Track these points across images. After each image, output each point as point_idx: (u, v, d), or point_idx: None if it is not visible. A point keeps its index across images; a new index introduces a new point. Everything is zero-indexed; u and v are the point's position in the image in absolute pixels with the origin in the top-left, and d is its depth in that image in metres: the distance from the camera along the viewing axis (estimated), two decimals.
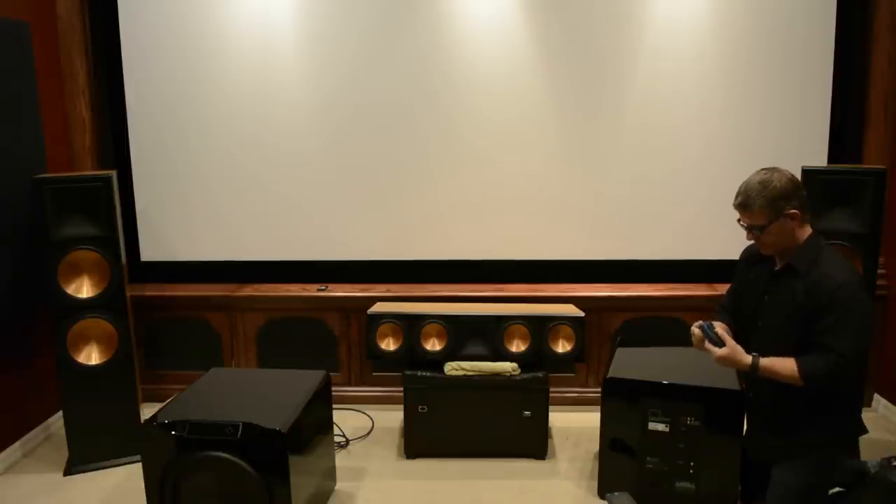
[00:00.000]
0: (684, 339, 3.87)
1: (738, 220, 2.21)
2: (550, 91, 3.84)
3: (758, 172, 2.17)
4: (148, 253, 4.07)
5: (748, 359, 2.13)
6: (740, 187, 2.18)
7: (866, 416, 3.55)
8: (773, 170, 2.16)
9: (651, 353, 3.31)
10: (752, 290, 2.30)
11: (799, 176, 3.07)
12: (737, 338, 2.29)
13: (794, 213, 2.12)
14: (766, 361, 2.12)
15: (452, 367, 3.34)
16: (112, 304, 3.30)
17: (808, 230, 2.18)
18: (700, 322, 2.27)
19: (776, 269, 2.23)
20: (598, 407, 3.02)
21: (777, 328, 2.17)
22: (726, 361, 2.17)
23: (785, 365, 2.09)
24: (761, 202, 2.11)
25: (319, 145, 3.94)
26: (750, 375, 2.18)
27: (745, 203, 2.14)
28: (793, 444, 2.20)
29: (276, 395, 2.80)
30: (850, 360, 2.03)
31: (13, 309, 3.29)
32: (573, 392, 3.97)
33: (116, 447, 3.33)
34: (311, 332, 4.00)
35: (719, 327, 2.27)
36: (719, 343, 2.19)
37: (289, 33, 3.81)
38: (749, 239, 2.24)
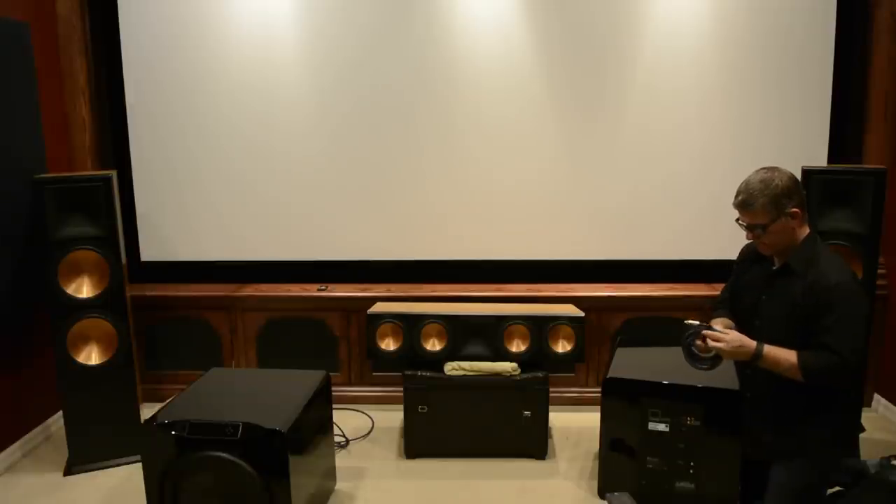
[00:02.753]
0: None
1: (737, 220, 2.20)
2: (551, 91, 3.85)
3: (758, 172, 2.17)
4: (148, 253, 4.07)
5: (753, 344, 2.12)
6: (740, 186, 2.17)
7: (866, 416, 3.56)
8: (774, 169, 2.16)
9: (651, 353, 3.30)
10: (750, 289, 2.30)
11: (799, 176, 3.09)
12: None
13: (796, 211, 2.12)
14: (769, 349, 2.11)
15: (452, 367, 3.34)
16: (112, 304, 3.30)
17: (806, 230, 2.18)
18: (690, 327, 2.24)
19: (774, 268, 2.22)
20: (598, 407, 3.02)
21: (775, 328, 2.17)
22: (734, 350, 2.13)
23: (787, 356, 2.09)
24: (763, 201, 2.10)
25: (319, 146, 3.94)
26: (751, 363, 2.16)
27: (747, 202, 2.13)
28: (792, 442, 2.20)
29: (276, 395, 2.80)
30: (849, 360, 2.03)
31: (13, 309, 3.29)
32: (573, 392, 3.97)
33: (116, 447, 3.34)
34: (311, 332, 4.00)
35: (719, 323, 2.28)
36: (705, 355, 2.19)
37: (289, 33, 3.81)
38: (749, 238, 2.23)
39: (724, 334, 2.16)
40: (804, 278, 2.10)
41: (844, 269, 2.13)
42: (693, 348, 2.24)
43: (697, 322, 2.23)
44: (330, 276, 4.06)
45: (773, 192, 2.10)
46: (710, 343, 2.17)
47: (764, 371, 2.16)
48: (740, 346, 2.12)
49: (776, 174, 2.13)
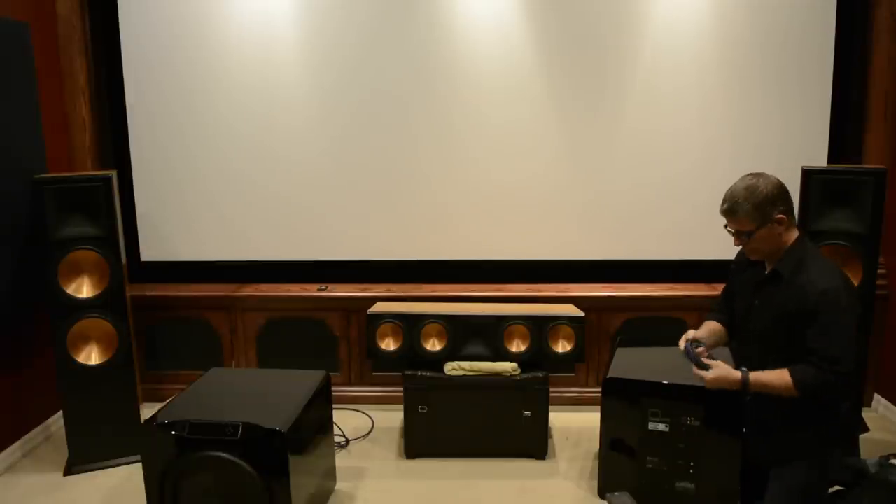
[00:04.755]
0: None
1: (725, 226, 2.20)
2: (551, 91, 3.85)
3: (743, 178, 2.15)
4: (148, 253, 4.07)
5: (738, 375, 2.11)
6: (726, 194, 2.16)
7: (866, 415, 3.56)
8: (759, 175, 2.14)
9: (651, 353, 3.30)
10: (744, 293, 2.30)
11: (798, 176, 3.10)
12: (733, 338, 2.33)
13: (781, 217, 2.10)
14: (756, 376, 2.09)
15: (452, 367, 3.34)
16: (112, 304, 3.30)
17: (794, 234, 2.16)
18: (685, 343, 2.26)
19: (765, 273, 2.22)
20: (598, 407, 3.02)
21: (766, 334, 2.16)
22: (718, 383, 2.15)
23: (778, 377, 2.07)
24: (748, 208, 2.08)
25: (319, 145, 3.94)
26: (740, 394, 2.15)
27: (732, 209, 2.11)
28: (792, 442, 2.20)
29: (276, 395, 2.80)
30: (842, 367, 2.00)
31: (13, 309, 3.29)
32: (573, 392, 3.97)
33: (116, 447, 3.34)
34: (311, 332, 4.00)
35: (705, 327, 2.31)
36: (704, 366, 2.18)
37: (289, 33, 3.81)
38: (737, 245, 2.22)
39: (713, 364, 2.17)
40: (791, 285, 2.09)
41: (835, 274, 2.09)
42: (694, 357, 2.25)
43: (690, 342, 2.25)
44: (330, 276, 4.06)
45: (757, 198, 2.07)
46: (696, 371, 2.18)
47: None
48: (725, 380, 2.13)
49: (761, 180, 2.10)
